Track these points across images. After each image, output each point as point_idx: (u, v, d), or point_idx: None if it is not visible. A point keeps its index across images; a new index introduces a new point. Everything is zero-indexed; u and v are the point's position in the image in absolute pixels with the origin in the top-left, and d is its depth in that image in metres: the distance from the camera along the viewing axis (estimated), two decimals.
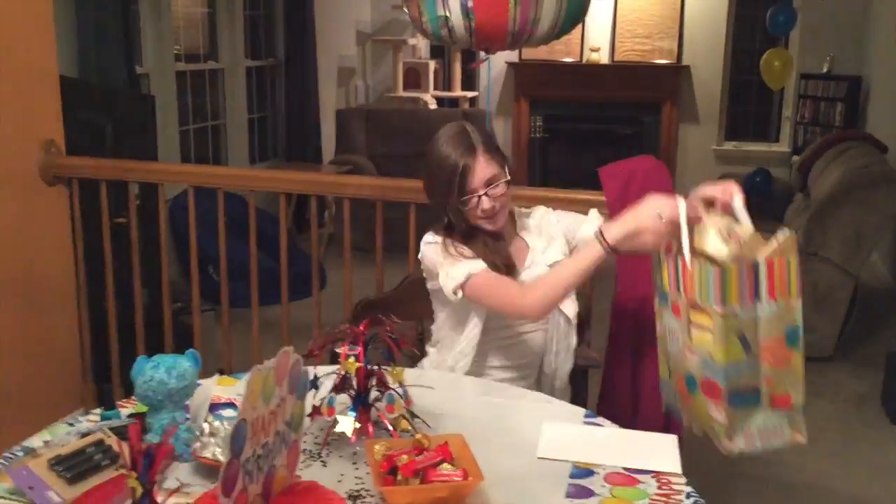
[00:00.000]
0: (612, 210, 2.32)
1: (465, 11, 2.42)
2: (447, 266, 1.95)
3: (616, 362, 2.38)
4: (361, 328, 1.60)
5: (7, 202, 2.73)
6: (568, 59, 7.76)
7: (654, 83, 7.73)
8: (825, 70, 7.29)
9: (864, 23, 7.20)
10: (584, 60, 7.82)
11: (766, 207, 5.79)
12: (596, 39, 7.80)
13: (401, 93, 7.70)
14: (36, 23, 2.84)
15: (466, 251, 1.97)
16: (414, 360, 2.19)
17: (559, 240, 2.11)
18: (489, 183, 1.92)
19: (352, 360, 1.55)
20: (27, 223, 2.82)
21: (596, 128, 7.90)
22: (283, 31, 6.75)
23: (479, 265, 1.94)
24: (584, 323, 2.26)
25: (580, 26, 7.72)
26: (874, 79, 6.86)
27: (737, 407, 1.46)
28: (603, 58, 7.81)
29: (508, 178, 1.97)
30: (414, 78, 7.77)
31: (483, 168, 1.92)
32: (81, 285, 3.04)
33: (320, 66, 6.91)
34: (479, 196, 1.93)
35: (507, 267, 1.99)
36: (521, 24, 2.33)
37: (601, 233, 1.77)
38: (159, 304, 3.16)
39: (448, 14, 2.56)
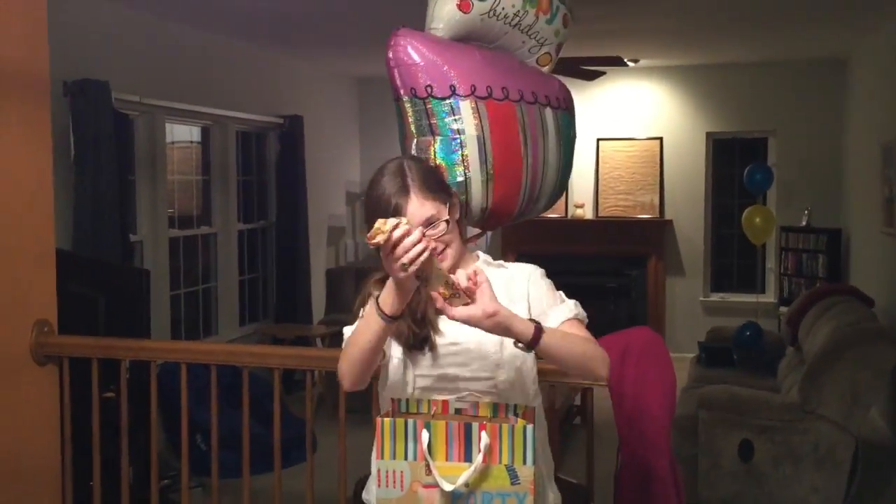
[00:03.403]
0: (608, 384, 2.30)
1: (487, 195, 2.42)
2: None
3: None
4: None
5: None
6: (553, 215, 7.93)
7: (639, 237, 7.88)
8: (804, 223, 7.47)
9: (838, 177, 7.45)
10: (569, 216, 8.00)
11: (758, 362, 5.77)
12: (580, 195, 8.02)
13: None
14: (35, 202, 2.88)
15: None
16: None
17: (519, 304, 1.90)
18: (426, 224, 1.77)
19: None
20: (13, 404, 2.76)
21: (582, 281, 7.96)
22: (276, 194, 6.89)
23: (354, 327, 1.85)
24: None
25: None
26: (854, 232, 7.02)
27: None
28: (587, 213, 8.01)
29: (447, 218, 1.82)
30: None
31: (417, 209, 1.78)
32: (67, 465, 2.94)
33: (311, 226, 7.02)
34: None
35: (417, 322, 1.83)
36: (526, 206, 2.36)
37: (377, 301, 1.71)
38: (147, 481, 3.06)
39: (468, 194, 2.42)
